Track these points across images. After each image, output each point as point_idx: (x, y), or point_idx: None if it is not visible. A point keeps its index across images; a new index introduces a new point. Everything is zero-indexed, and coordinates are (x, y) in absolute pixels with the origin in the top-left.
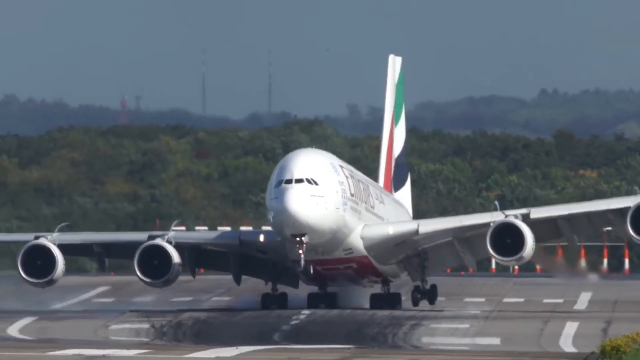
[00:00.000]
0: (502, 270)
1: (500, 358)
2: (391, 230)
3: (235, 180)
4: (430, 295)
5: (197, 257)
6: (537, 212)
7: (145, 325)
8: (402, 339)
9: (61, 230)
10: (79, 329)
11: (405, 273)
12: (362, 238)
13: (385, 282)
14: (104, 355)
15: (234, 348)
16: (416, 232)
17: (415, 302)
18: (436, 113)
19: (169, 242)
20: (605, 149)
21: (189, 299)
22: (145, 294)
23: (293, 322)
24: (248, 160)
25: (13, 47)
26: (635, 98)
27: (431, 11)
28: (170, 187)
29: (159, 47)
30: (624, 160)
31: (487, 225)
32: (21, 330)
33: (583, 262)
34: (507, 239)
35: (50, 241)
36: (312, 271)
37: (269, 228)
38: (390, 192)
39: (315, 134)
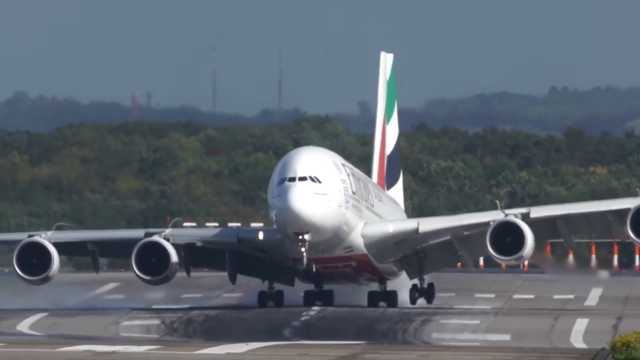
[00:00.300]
0: (513, 266)
1: (511, 354)
2: (391, 228)
3: (246, 177)
4: (428, 293)
5: (193, 254)
6: (537, 212)
7: (156, 322)
8: (412, 334)
9: (58, 228)
10: (89, 325)
11: (403, 271)
12: (362, 236)
13: (382, 280)
14: (114, 352)
15: (244, 344)
16: (416, 230)
17: (413, 301)
18: (447, 110)
19: (167, 240)
20: (615, 145)
21: (199, 295)
22: (156, 289)
23: (303, 318)
24: (258, 157)
25: (24, 44)
26: None
27: (443, 8)
28: (181, 184)
29: (170, 44)
30: (635, 157)
31: (487, 224)
32: (32, 327)
33: (594, 259)
34: (507, 238)
35: (45, 239)
36: (314, 269)
37: (261, 225)
38: (384, 189)
39: (326, 131)
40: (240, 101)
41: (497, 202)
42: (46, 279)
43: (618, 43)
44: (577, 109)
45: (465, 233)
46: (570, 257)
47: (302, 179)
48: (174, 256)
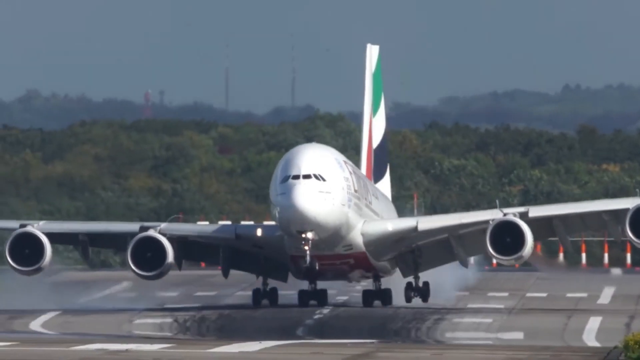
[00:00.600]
0: (526, 264)
1: (524, 353)
2: (391, 227)
3: (259, 175)
4: (423, 292)
5: (186, 249)
6: (536, 211)
7: (169, 320)
8: (425, 333)
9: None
10: (102, 324)
11: (397, 269)
12: (362, 234)
13: (377, 278)
14: (127, 350)
15: (257, 343)
16: (415, 229)
17: (409, 300)
18: (460, 107)
19: (163, 234)
20: (628, 143)
21: (212, 293)
22: (170, 288)
23: (316, 317)
24: (271, 155)
25: (36, 42)
26: None
27: (456, 5)
28: (194, 181)
29: (182, 41)
30: None
31: (486, 223)
32: (44, 325)
33: (606, 258)
34: (506, 237)
35: (37, 229)
36: (317, 266)
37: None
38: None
39: (339, 128)
40: (253, 99)
41: (497, 201)
42: (38, 270)
43: (631, 41)
44: (589, 107)
45: (463, 231)
46: (561, 255)
47: (307, 176)
48: (170, 252)
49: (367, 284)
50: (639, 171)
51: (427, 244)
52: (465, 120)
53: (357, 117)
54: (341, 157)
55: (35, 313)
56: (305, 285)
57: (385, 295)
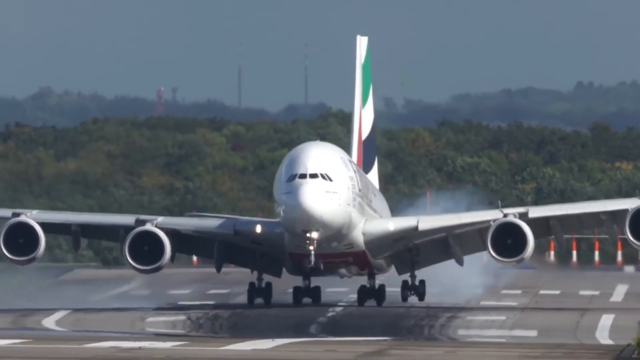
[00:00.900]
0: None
1: (537, 350)
2: (392, 226)
3: (271, 173)
4: (420, 291)
5: (180, 243)
6: (536, 212)
7: (182, 317)
8: (438, 331)
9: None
10: (115, 322)
11: (392, 267)
12: (363, 234)
13: (372, 275)
14: (140, 348)
15: (270, 340)
16: (416, 228)
17: (405, 299)
18: (472, 105)
19: (160, 228)
20: None
21: (225, 291)
22: (182, 286)
23: (329, 314)
24: (284, 152)
25: (49, 39)
26: None
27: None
28: (207, 179)
29: (195, 38)
30: None
31: (486, 223)
32: (57, 323)
33: (620, 255)
34: (507, 238)
35: (31, 219)
36: (321, 267)
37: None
38: None
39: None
40: (266, 97)
41: (499, 201)
42: (32, 260)
43: None
44: (603, 104)
45: (461, 230)
46: (552, 253)
47: (313, 176)
48: (168, 246)
49: (361, 280)
50: None
51: (425, 242)
52: (477, 117)
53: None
54: (346, 156)
55: (49, 311)
56: (298, 281)
57: (379, 292)
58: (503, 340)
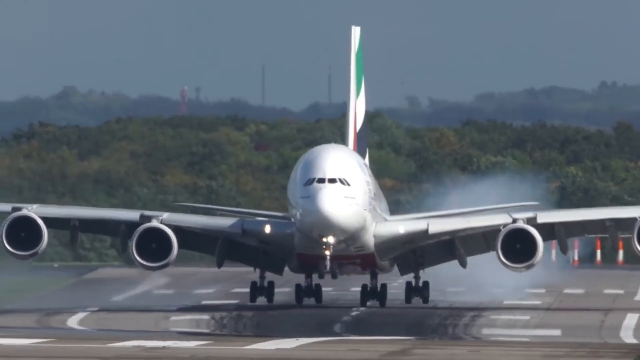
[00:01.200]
0: (564, 262)
1: (561, 350)
2: (402, 229)
3: None
4: (424, 294)
5: (181, 238)
6: (544, 217)
7: (206, 317)
8: (462, 330)
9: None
10: (139, 321)
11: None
12: (374, 236)
13: (374, 275)
14: (164, 347)
15: (294, 339)
16: (426, 231)
17: (409, 300)
18: (496, 104)
19: (167, 225)
20: None
21: (248, 290)
22: (206, 285)
23: (353, 314)
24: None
25: (73, 38)
26: None
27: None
28: (230, 178)
29: (219, 37)
30: None
31: (495, 227)
32: (81, 322)
33: None
34: (516, 244)
35: (33, 213)
36: (337, 271)
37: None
38: None
39: (376, 125)
40: (289, 95)
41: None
42: (35, 255)
43: None
44: (626, 104)
45: (469, 233)
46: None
47: (332, 180)
48: (175, 243)
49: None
50: None
51: (431, 244)
52: (501, 117)
53: (395, 113)
54: (361, 160)
55: (72, 310)
56: (299, 279)
57: (382, 292)
58: (527, 339)
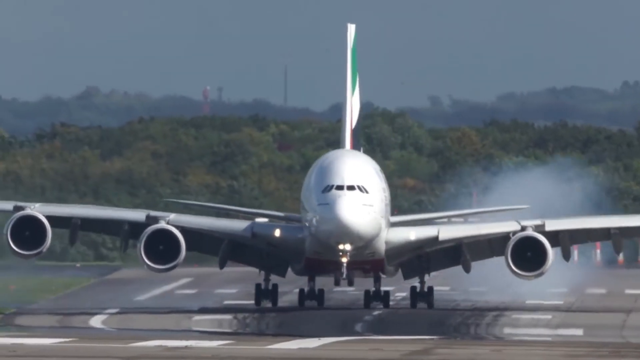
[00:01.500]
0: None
1: (582, 349)
2: (413, 236)
3: None
4: (429, 300)
5: (188, 240)
6: (552, 225)
7: (228, 317)
8: (484, 329)
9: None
10: (161, 320)
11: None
12: (385, 242)
13: (378, 278)
14: (186, 346)
15: (316, 339)
16: (436, 238)
17: (414, 305)
18: (517, 104)
19: (174, 226)
20: None
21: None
22: (229, 285)
23: (376, 313)
24: (330, 151)
25: (96, 39)
26: None
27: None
28: (253, 178)
29: (241, 38)
30: None
31: (504, 234)
32: (104, 322)
33: None
34: (526, 252)
35: (38, 212)
36: (353, 278)
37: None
38: None
39: (398, 125)
40: (312, 95)
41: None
42: (39, 254)
43: None
44: None
45: (477, 239)
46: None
47: (351, 188)
48: (183, 245)
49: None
50: None
51: (437, 249)
52: (522, 116)
53: (417, 113)
54: (377, 166)
55: (95, 310)
56: (302, 282)
57: (385, 296)
58: (549, 339)
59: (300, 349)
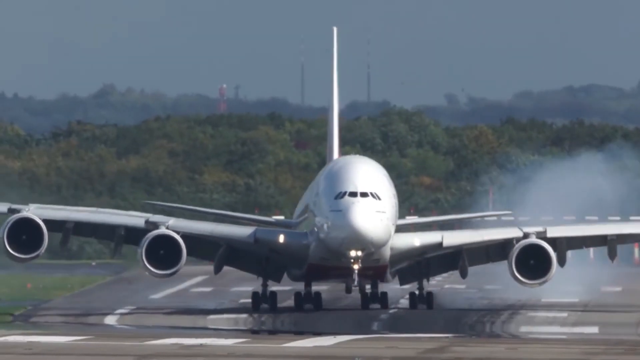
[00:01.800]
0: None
1: (598, 347)
2: (417, 242)
3: None
4: (429, 304)
5: (187, 245)
6: (554, 232)
7: (244, 315)
8: (500, 327)
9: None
10: (176, 319)
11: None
12: (391, 248)
13: (375, 284)
14: (202, 345)
15: (332, 337)
16: (440, 244)
17: (414, 307)
18: (534, 102)
19: (174, 231)
20: None
21: (287, 288)
22: (243, 283)
23: (391, 311)
24: (346, 150)
25: (112, 37)
26: None
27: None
28: (269, 176)
29: (258, 36)
30: None
31: (508, 241)
32: (119, 320)
33: None
34: (529, 259)
35: (33, 214)
36: (365, 286)
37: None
38: None
39: (414, 123)
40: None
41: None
42: (35, 257)
43: None
44: None
45: (478, 245)
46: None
47: (364, 194)
48: (184, 250)
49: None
50: None
51: (438, 255)
52: (539, 115)
53: (433, 112)
54: (385, 172)
55: (110, 308)
56: (300, 287)
57: (383, 299)
58: (564, 337)
59: (315, 346)
